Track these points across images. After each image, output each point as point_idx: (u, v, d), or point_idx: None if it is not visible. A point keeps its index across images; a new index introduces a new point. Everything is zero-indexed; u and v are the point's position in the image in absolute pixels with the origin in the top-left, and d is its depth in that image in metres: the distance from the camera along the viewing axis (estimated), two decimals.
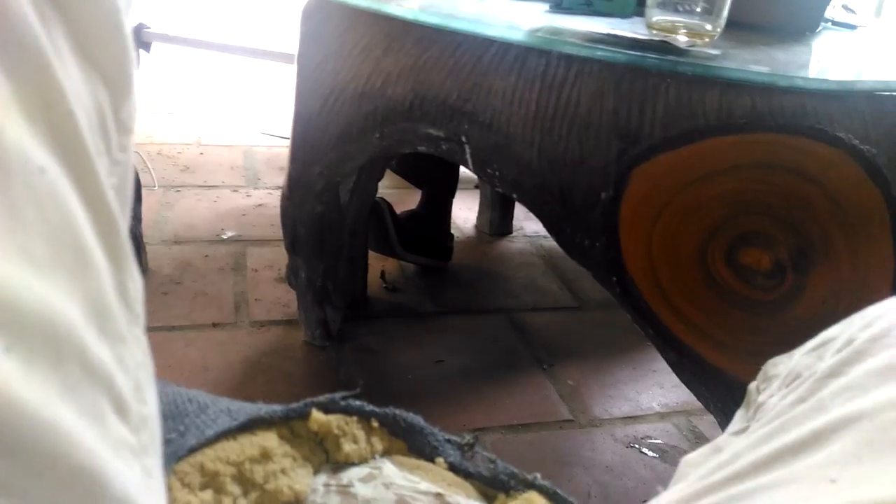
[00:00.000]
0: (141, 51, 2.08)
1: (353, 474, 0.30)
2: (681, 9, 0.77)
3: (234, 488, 0.28)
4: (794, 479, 0.25)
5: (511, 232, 1.68)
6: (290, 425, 0.31)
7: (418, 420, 0.33)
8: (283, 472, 0.29)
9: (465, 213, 1.73)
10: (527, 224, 1.73)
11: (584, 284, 1.48)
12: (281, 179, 1.81)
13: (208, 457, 0.28)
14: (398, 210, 1.39)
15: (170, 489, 0.27)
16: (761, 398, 0.35)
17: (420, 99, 0.81)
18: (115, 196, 0.19)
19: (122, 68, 0.19)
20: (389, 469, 0.31)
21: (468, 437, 0.33)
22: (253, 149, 2.02)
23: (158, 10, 2.81)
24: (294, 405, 0.32)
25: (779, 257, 0.71)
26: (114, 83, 0.19)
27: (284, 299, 1.30)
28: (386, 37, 0.84)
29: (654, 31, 0.79)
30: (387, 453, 0.32)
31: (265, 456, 0.29)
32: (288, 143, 2.05)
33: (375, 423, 0.33)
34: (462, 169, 1.50)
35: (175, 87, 2.50)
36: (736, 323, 0.73)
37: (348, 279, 1.27)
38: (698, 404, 0.82)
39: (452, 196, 1.49)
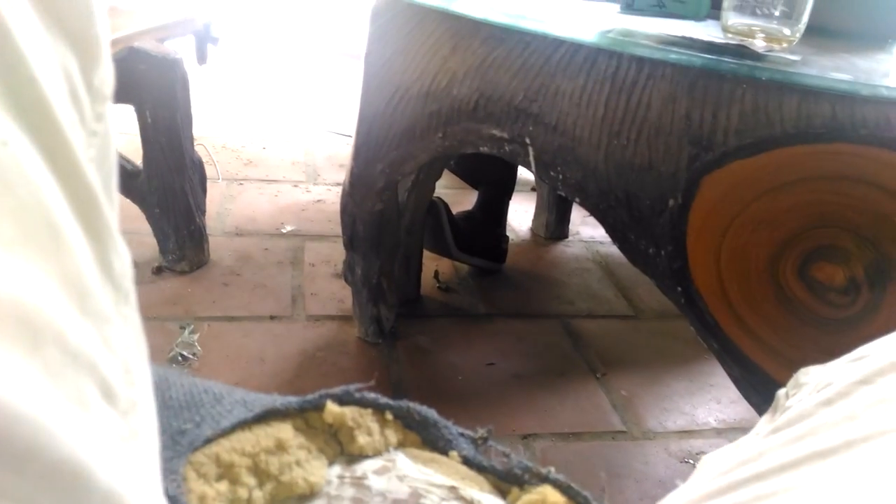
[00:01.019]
0: (209, 45, 2.14)
1: (367, 466, 0.30)
2: (758, 12, 0.75)
3: (250, 479, 0.28)
4: (823, 481, 0.24)
5: (567, 236, 1.66)
6: (304, 417, 0.31)
7: (432, 413, 0.33)
8: (298, 463, 0.29)
9: (520, 215, 1.72)
10: (583, 229, 1.70)
11: (640, 292, 1.45)
12: (340, 176, 1.83)
13: (224, 448, 0.28)
14: (454, 210, 1.39)
15: (185, 479, 0.27)
16: (789, 403, 0.35)
17: (485, 99, 0.81)
18: (94, 168, 0.18)
19: (89, 31, 0.18)
20: (403, 462, 0.31)
21: (482, 431, 0.33)
22: (314, 145, 2.05)
23: (228, 5, 2.89)
24: (309, 397, 0.32)
25: (854, 273, 0.68)
26: (82, 47, 0.18)
27: (339, 295, 1.32)
28: (453, 36, 0.84)
29: (730, 35, 0.76)
30: (401, 446, 0.32)
31: (280, 447, 0.29)
32: (349, 140, 2.08)
33: (390, 416, 0.32)
34: (519, 170, 1.49)
35: (242, 81, 2.56)
36: (805, 340, 0.70)
37: (403, 277, 1.28)
38: (756, 421, 0.79)
39: (509, 198, 1.48)
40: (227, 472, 0.27)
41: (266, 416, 0.30)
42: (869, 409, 0.27)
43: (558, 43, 0.77)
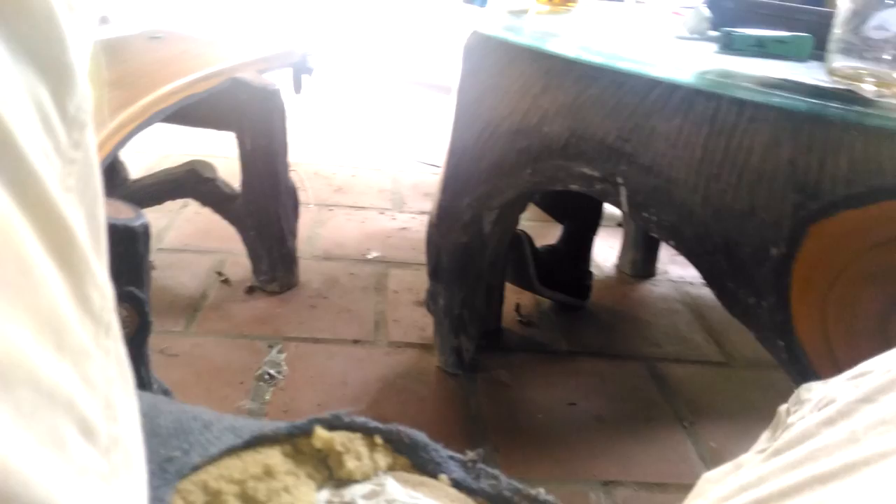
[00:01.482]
0: (305, 76, 2.23)
1: (356, 491, 0.30)
2: (867, 55, 0.71)
3: None
4: None
5: (654, 275, 1.62)
6: (293, 442, 0.31)
7: (422, 436, 0.33)
8: (286, 489, 0.29)
9: (606, 251, 1.69)
10: (672, 268, 1.65)
11: (732, 338, 1.39)
12: (425, 205, 1.86)
13: (211, 475, 0.28)
14: (538, 243, 1.38)
15: None
16: (790, 420, 0.34)
17: (576, 137, 0.80)
18: (74, 198, 0.17)
19: (60, 58, 0.17)
20: (392, 486, 0.30)
21: (471, 454, 0.33)
22: (401, 174, 2.09)
23: (323, 37, 3.01)
24: (297, 422, 0.32)
25: None
26: (53, 75, 0.17)
27: (421, 323, 1.33)
28: (545, 74, 0.84)
29: (836, 78, 0.73)
30: (390, 470, 0.32)
31: (268, 473, 0.29)
32: (435, 171, 2.11)
33: (379, 440, 0.32)
34: (605, 205, 1.47)
35: (334, 110, 2.65)
36: None
37: (484, 309, 1.27)
38: None
39: (594, 233, 1.46)
40: (214, 499, 0.27)
41: (254, 443, 0.30)
42: (870, 430, 0.27)
43: (654, 83, 0.76)
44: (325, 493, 0.29)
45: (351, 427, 0.31)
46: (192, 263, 1.47)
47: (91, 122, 0.19)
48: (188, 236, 1.57)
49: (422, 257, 1.55)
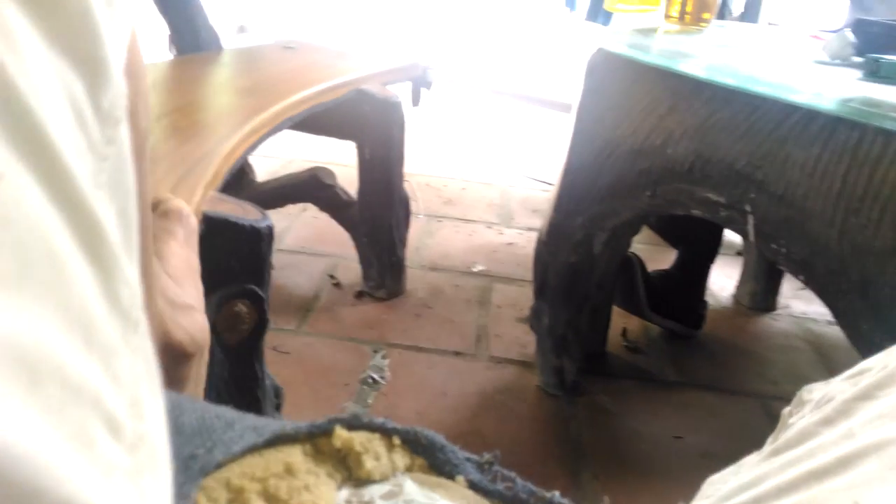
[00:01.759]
0: (422, 89, 2.28)
1: (374, 491, 0.30)
2: None
3: None
4: (818, 501, 0.25)
5: (775, 309, 1.52)
6: (314, 442, 0.31)
7: (439, 438, 0.32)
8: (307, 488, 0.28)
9: (722, 280, 1.61)
10: (794, 302, 1.55)
11: None
12: (533, 221, 1.85)
13: (234, 472, 0.28)
14: (650, 267, 1.34)
15: None
16: (791, 420, 0.35)
17: (703, 161, 0.77)
18: (106, 194, 0.17)
19: (96, 53, 0.17)
20: (410, 486, 0.30)
21: (488, 456, 0.32)
22: (510, 189, 2.09)
23: (442, 51, 3.07)
24: (318, 422, 0.31)
25: None
26: (88, 70, 0.17)
27: (523, 340, 1.32)
28: (672, 95, 0.82)
29: None
30: (408, 470, 0.31)
31: (289, 472, 0.29)
32: (545, 187, 2.10)
33: (397, 441, 0.31)
34: (725, 232, 1.40)
35: (450, 124, 2.70)
36: None
37: (589, 331, 1.25)
38: None
39: (711, 261, 1.40)
40: (237, 496, 0.27)
41: (276, 441, 0.30)
42: (866, 425, 0.27)
43: (791, 109, 0.71)
44: (344, 493, 0.30)
45: (370, 427, 0.31)
46: (308, 265, 1.53)
47: (126, 119, 0.19)
48: (305, 239, 1.64)
49: (527, 274, 1.54)
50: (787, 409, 0.37)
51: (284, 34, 2.43)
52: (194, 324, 0.42)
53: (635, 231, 1.20)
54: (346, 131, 1.33)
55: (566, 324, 1.14)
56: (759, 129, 0.74)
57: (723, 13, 1.99)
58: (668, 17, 1.11)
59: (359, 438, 0.31)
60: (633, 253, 1.28)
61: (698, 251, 1.38)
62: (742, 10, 2.08)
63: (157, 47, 1.41)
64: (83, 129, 0.17)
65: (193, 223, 0.49)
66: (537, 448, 1.06)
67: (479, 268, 1.58)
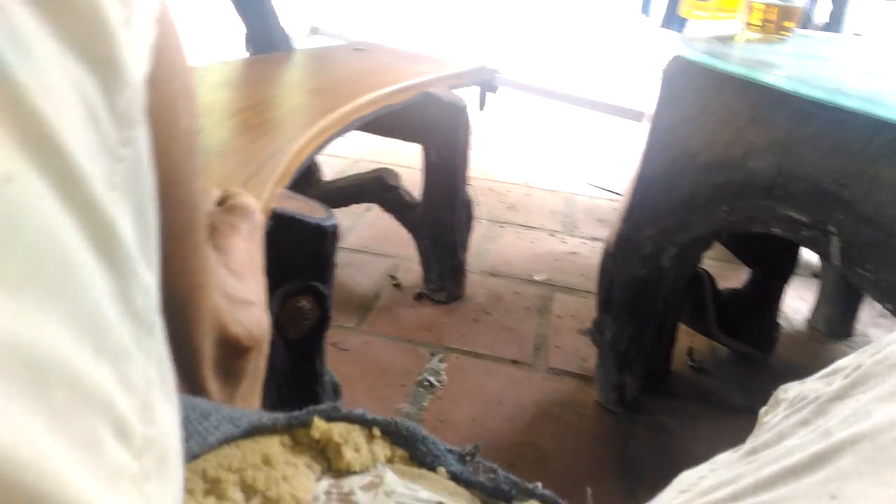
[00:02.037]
0: (488, 93, 2.28)
1: (354, 482, 0.29)
2: None
3: (237, 494, 0.27)
4: (795, 496, 0.25)
5: (851, 335, 1.44)
6: (292, 433, 0.30)
7: (420, 429, 0.32)
8: (285, 478, 0.28)
9: (796, 302, 1.54)
10: (873, 331, 1.47)
11: None
12: (597, 230, 1.81)
13: (210, 463, 0.28)
14: (720, 286, 1.28)
15: None
16: (765, 419, 0.35)
17: (785, 177, 0.73)
18: (120, 196, 0.17)
19: (110, 53, 0.17)
20: (391, 477, 0.29)
21: (469, 447, 0.31)
22: (575, 197, 2.06)
23: (511, 55, 3.05)
24: (296, 413, 0.31)
25: None
26: (101, 70, 0.17)
27: (583, 353, 1.29)
28: (753, 106, 0.78)
29: None
30: (388, 462, 0.31)
31: (267, 463, 0.28)
32: (611, 196, 2.05)
33: (377, 432, 0.31)
34: (802, 253, 1.33)
35: (515, 129, 2.68)
36: None
37: (653, 348, 1.21)
38: None
39: (786, 281, 1.33)
40: (213, 487, 0.27)
41: (253, 432, 0.30)
42: (842, 423, 0.28)
43: (883, 125, 0.67)
44: (324, 484, 0.29)
45: (349, 418, 0.31)
46: (369, 265, 1.54)
47: (143, 120, 0.19)
48: (368, 239, 1.66)
49: (589, 284, 1.51)
50: (763, 409, 0.37)
51: (356, 36, 2.47)
52: (252, 319, 0.42)
53: (707, 246, 1.15)
54: (413, 133, 1.33)
55: (630, 339, 1.11)
56: (846, 145, 0.69)
57: (805, 22, 1.91)
58: (748, 24, 1.07)
59: (338, 429, 0.30)
60: (703, 269, 1.23)
61: (773, 271, 1.32)
62: (826, 19, 1.99)
63: (236, 46, 1.44)
64: (97, 130, 0.16)
65: (259, 219, 0.49)
66: (594, 465, 1.03)
67: (540, 276, 1.56)
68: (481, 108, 1.58)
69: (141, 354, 0.17)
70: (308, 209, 0.70)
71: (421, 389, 1.15)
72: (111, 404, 0.15)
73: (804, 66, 0.84)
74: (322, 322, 0.72)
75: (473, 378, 1.19)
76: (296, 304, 0.70)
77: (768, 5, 1.05)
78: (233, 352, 0.41)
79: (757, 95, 0.79)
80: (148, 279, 0.18)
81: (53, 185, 0.14)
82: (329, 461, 0.30)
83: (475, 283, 1.49)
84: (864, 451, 0.25)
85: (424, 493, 0.29)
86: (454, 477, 0.30)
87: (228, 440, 0.29)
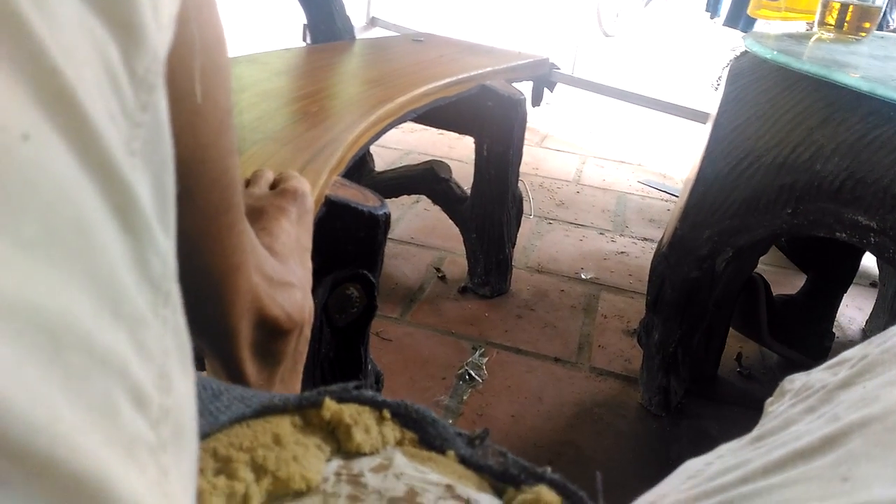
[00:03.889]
0: (545, 89, 2.25)
1: (364, 464, 0.29)
2: None
3: (247, 474, 0.27)
4: (806, 478, 0.25)
5: None
6: (302, 413, 0.30)
7: (430, 412, 0.31)
8: (296, 459, 0.28)
9: (852, 311, 1.48)
10: None
11: None
12: (648, 231, 1.78)
13: (221, 442, 0.28)
14: (775, 291, 1.25)
15: None
16: (771, 409, 0.35)
17: (855, 180, 0.70)
18: (140, 161, 0.17)
19: (131, 17, 0.17)
20: (400, 460, 0.29)
21: (479, 431, 0.31)
22: (626, 196, 2.02)
23: (567, 52, 3.02)
24: (307, 393, 0.30)
25: None
26: (123, 34, 0.16)
27: (628, 354, 1.27)
28: (826, 106, 0.75)
29: None
30: (398, 444, 0.30)
31: (277, 443, 0.28)
32: (663, 196, 2.01)
33: (387, 414, 0.31)
34: (862, 260, 1.28)
35: (569, 126, 2.65)
36: None
37: (702, 352, 1.18)
38: None
39: (844, 290, 1.29)
40: (224, 466, 0.27)
41: (264, 412, 0.30)
42: (850, 408, 0.28)
43: None
44: (333, 465, 0.29)
45: (359, 400, 0.31)
46: (415, 256, 1.54)
47: (162, 85, 0.18)
48: (416, 230, 1.66)
49: (637, 285, 1.49)
50: (769, 400, 0.37)
51: (415, 27, 2.47)
52: (292, 301, 0.42)
53: (764, 250, 1.12)
54: (467, 126, 1.33)
55: (678, 342, 1.08)
56: None
57: (881, 24, 1.83)
58: (823, 24, 1.03)
59: (348, 411, 0.30)
60: (758, 274, 1.20)
61: (830, 278, 1.28)
62: None
63: (294, 35, 1.46)
64: (117, 94, 0.16)
65: (309, 203, 0.49)
66: (635, 468, 1.01)
67: (587, 274, 1.54)
68: (536, 103, 1.56)
69: (158, 322, 0.17)
70: (361, 198, 0.70)
71: (461, 383, 1.15)
72: (128, 371, 0.15)
73: (882, 67, 0.80)
74: (369, 310, 0.72)
75: (514, 374, 1.18)
76: (344, 291, 0.70)
77: (846, 4, 1.01)
78: (271, 333, 0.41)
79: (830, 96, 0.76)
80: (165, 247, 0.18)
81: (71, 146, 0.14)
82: (339, 442, 0.30)
83: (521, 278, 1.48)
84: (873, 434, 0.25)
85: (434, 476, 0.28)
86: (463, 460, 0.30)
87: (239, 420, 0.29)
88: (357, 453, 0.30)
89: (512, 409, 1.10)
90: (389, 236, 1.61)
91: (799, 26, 2.15)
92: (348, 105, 0.98)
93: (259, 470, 0.27)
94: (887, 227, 0.68)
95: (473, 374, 1.17)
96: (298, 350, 0.45)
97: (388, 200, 0.67)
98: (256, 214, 0.46)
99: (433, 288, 1.43)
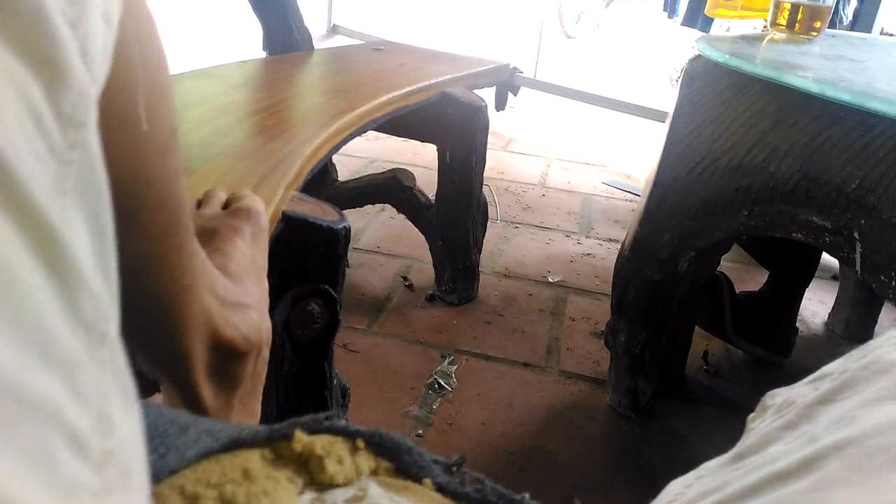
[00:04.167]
0: (508, 93, 2.26)
1: (338, 496, 0.28)
2: None
3: None
4: (783, 503, 0.25)
5: (870, 338, 1.41)
6: (273, 446, 0.30)
7: (405, 440, 0.31)
8: (266, 493, 0.27)
9: (815, 305, 1.51)
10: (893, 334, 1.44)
11: None
12: (613, 232, 1.79)
13: (189, 479, 0.27)
14: (738, 288, 1.26)
15: None
16: (752, 426, 0.35)
17: (809, 181, 0.72)
18: (70, 201, 0.17)
19: (51, 52, 0.16)
20: (375, 490, 0.29)
21: (456, 458, 0.31)
22: (591, 197, 2.04)
23: (529, 56, 3.03)
24: (276, 426, 0.30)
25: None
26: (45, 70, 0.16)
27: (596, 356, 1.27)
28: (779, 109, 0.76)
29: None
30: (373, 474, 0.30)
31: (247, 477, 0.28)
32: (628, 197, 2.03)
33: (361, 444, 0.30)
34: (822, 256, 1.31)
35: (534, 129, 2.66)
36: None
37: (668, 352, 1.19)
38: None
39: (805, 285, 1.31)
40: (192, 503, 0.26)
41: (232, 446, 0.29)
42: (827, 428, 0.27)
43: None
44: (306, 498, 0.28)
45: (331, 430, 0.30)
46: (382, 265, 1.53)
47: (93, 121, 0.18)
48: (381, 239, 1.65)
49: (604, 287, 1.50)
50: (751, 416, 0.37)
51: (375, 35, 2.46)
52: (248, 322, 0.41)
53: (725, 250, 1.13)
54: (430, 134, 1.32)
55: (644, 343, 1.09)
56: (873, 149, 0.67)
57: (833, 21, 1.87)
58: (775, 25, 1.04)
59: (320, 442, 0.29)
60: (721, 272, 1.21)
61: (791, 274, 1.30)
62: (852, 18, 1.95)
63: (252, 47, 1.44)
64: (42, 134, 0.16)
65: (264, 222, 0.48)
66: (605, 470, 1.02)
67: (554, 277, 1.54)
68: (500, 108, 1.57)
69: (94, 364, 0.17)
70: (320, 212, 0.70)
71: (431, 392, 1.14)
72: (62, 416, 0.15)
73: (832, 68, 0.82)
74: (331, 325, 0.71)
75: (484, 381, 1.18)
76: (305, 307, 0.69)
77: (797, 5, 1.03)
78: (227, 356, 0.40)
79: (782, 98, 0.77)
80: (98, 287, 0.17)
81: None
82: (311, 474, 0.29)
83: (488, 284, 1.48)
84: (850, 458, 0.25)
85: None
86: (440, 488, 0.29)
87: (207, 454, 0.29)
88: (330, 485, 0.29)
89: (482, 416, 1.10)
90: (355, 246, 1.60)
91: (757, 24, 2.19)
92: (307, 117, 0.97)
93: None
94: (841, 226, 0.70)
95: (443, 383, 1.16)
96: (257, 372, 0.45)
97: (351, 210, 0.66)
98: (209, 235, 0.45)
99: (400, 297, 1.42)
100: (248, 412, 0.45)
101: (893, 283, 0.66)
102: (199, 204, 0.50)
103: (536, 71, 3.02)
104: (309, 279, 0.68)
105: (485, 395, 1.15)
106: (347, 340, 1.24)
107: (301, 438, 0.29)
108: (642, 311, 1.06)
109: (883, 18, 1.93)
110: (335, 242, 0.69)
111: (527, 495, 0.29)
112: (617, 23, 5.60)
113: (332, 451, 0.29)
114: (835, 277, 1.58)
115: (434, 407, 1.11)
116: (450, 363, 1.22)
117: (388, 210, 1.60)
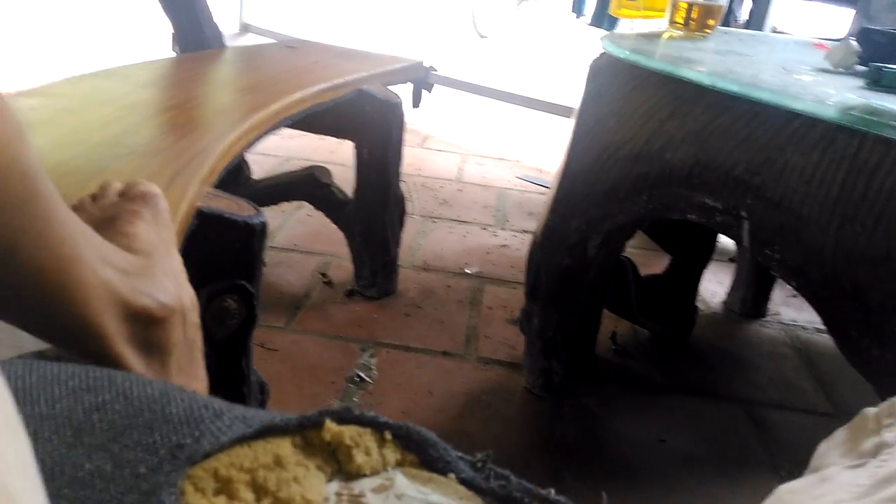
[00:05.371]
0: (423, 91, 2.29)
1: (364, 485, 0.30)
2: None
3: (248, 494, 0.27)
4: None
5: (764, 315, 1.53)
6: (303, 434, 0.31)
7: (431, 435, 0.32)
8: (296, 480, 0.28)
9: (714, 286, 1.62)
10: (784, 310, 1.56)
11: (842, 389, 1.29)
12: (527, 223, 1.85)
13: (222, 463, 0.28)
14: (643, 272, 1.34)
15: (183, 493, 0.26)
16: (888, 437, 0.31)
17: (701, 166, 0.78)
18: None
19: None
20: (401, 481, 0.30)
21: (481, 455, 0.32)
22: (506, 191, 2.09)
23: (443, 54, 3.07)
24: (308, 414, 0.31)
25: None
26: None
27: (512, 341, 1.32)
28: (674, 100, 0.82)
29: None
30: (399, 466, 0.31)
31: (278, 464, 0.29)
32: (541, 190, 2.10)
33: (388, 436, 0.32)
34: (719, 239, 1.41)
35: (450, 126, 2.70)
36: None
37: (579, 334, 1.25)
38: None
39: (704, 266, 1.40)
40: (225, 486, 0.27)
41: (265, 433, 0.30)
42: None
43: (792, 116, 0.72)
44: (334, 486, 0.29)
45: (360, 421, 0.31)
46: (299, 263, 1.53)
47: None
48: (298, 237, 1.64)
49: (519, 276, 1.54)
50: (872, 411, 0.33)
51: (288, 33, 2.43)
52: (162, 289, 0.41)
53: (629, 235, 1.20)
54: (346, 131, 1.33)
55: (556, 326, 1.14)
56: (758, 135, 0.74)
57: (728, 20, 2.00)
58: (672, 23, 1.12)
59: (349, 432, 0.30)
60: (626, 257, 1.28)
61: (691, 257, 1.39)
62: (748, 17, 2.09)
63: (161, 45, 1.40)
64: None
65: (163, 204, 0.48)
66: (522, 449, 1.06)
67: (471, 269, 1.58)
68: (416, 105, 1.59)
69: None
70: (235, 207, 0.69)
71: (351, 385, 1.15)
72: None
73: (723, 62, 0.89)
74: (248, 322, 0.71)
75: (404, 371, 1.20)
76: (221, 303, 0.69)
77: (691, 4, 1.10)
78: (146, 324, 0.40)
79: (677, 90, 0.83)
80: None
81: None
82: (340, 463, 0.30)
83: (407, 278, 1.50)
84: None
85: (435, 497, 0.29)
86: (465, 483, 0.30)
87: (240, 440, 0.29)
88: (358, 474, 0.30)
89: (402, 405, 1.12)
90: (272, 244, 1.58)
91: (660, 24, 2.30)
92: (219, 114, 0.96)
93: (260, 490, 0.27)
94: (730, 206, 0.76)
95: (363, 376, 1.17)
96: (189, 338, 0.44)
97: (268, 208, 0.66)
98: (109, 222, 0.44)
99: (319, 293, 1.42)
100: (190, 378, 0.44)
101: (777, 256, 0.72)
102: (95, 197, 0.50)
103: (451, 69, 3.06)
104: (225, 275, 0.68)
105: (405, 384, 1.17)
106: (265, 339, 1.23)
107: (331, 428, 0.30)
108: (554, 295, 1.11)
109: (776, 17, 2.07)
110: (251, 237, 0.68)
111: (552, 490, 0.30)
112: (528, 23, 5.73)
113: (360, 442, 0.30)
114: (732, 260, 1.69)
115: (355, 399, 1.12)
116: (370, 356, 1.23)
117: (306, 208, 1.59)
